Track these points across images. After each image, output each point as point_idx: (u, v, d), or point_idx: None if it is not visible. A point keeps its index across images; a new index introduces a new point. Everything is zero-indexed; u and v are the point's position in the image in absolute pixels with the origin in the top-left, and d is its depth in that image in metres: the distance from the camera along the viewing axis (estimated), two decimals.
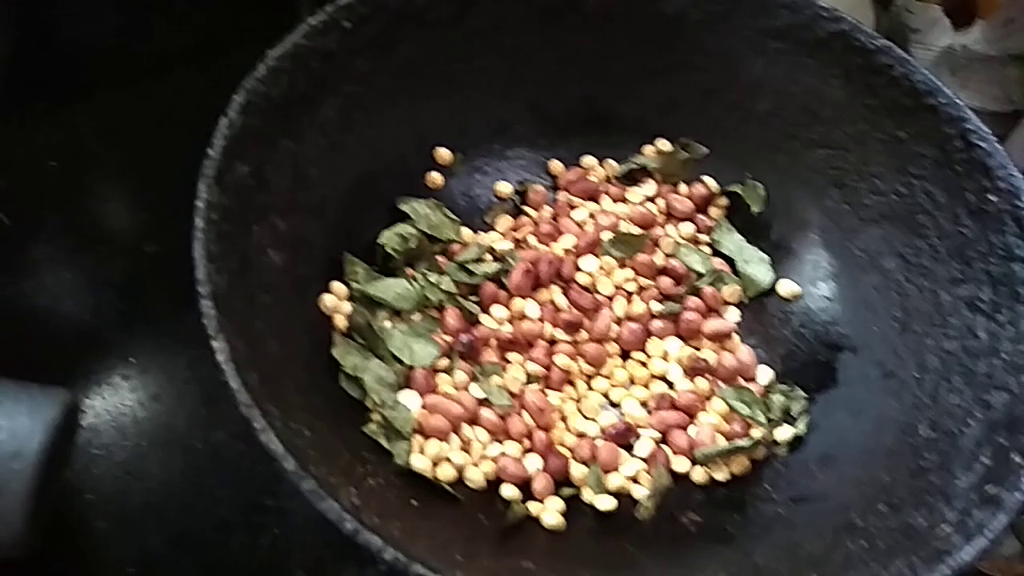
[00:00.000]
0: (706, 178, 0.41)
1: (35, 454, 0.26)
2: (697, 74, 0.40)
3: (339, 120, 0.36)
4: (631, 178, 0.42)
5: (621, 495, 0.34)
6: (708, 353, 0.37)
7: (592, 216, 0.40)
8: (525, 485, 0.33)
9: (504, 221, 0.40)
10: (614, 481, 0.34)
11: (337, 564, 0.35)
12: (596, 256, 0.39)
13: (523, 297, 0.37)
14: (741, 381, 0.37)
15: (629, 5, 0.39)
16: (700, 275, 0.39)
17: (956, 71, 0.61)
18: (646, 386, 0.37)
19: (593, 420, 0.36)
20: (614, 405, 0.36)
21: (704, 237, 0.40)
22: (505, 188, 0.41)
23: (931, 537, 0.27)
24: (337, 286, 0.35)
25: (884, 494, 0.30)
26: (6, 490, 0.26)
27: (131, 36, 0.50)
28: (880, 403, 0.33)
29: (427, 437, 0.33)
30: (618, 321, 0.38)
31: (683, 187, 0.41)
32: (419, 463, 0.32)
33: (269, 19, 0.50)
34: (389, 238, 0.37)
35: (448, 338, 0.35)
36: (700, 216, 0.41)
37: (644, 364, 0.37)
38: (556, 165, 0.42)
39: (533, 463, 0.33)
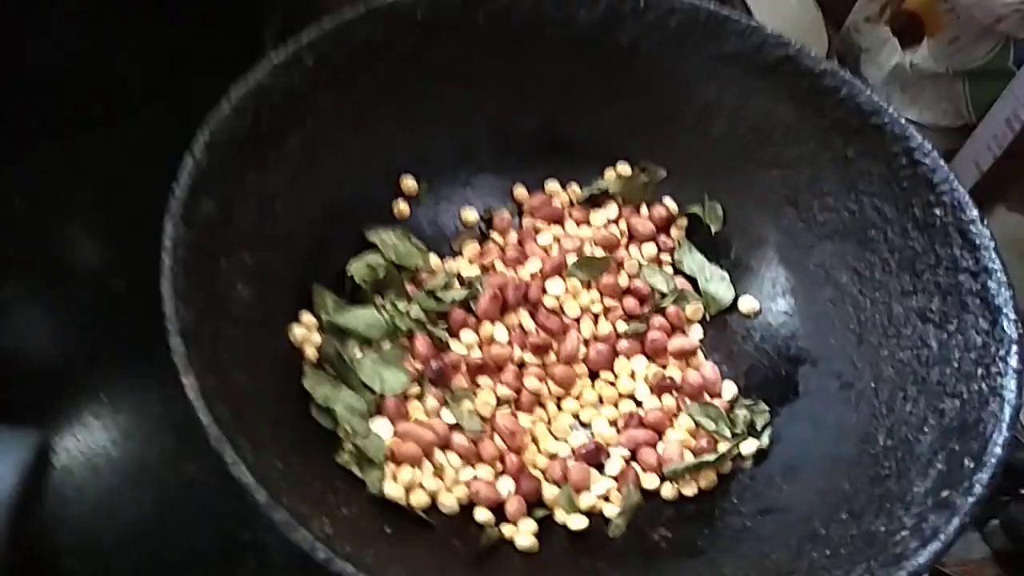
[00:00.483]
0: (666, 200, 0.42)
1: (7, 497, 0.26)
2: (653, 99, 0.41)
3: (304, 153, 0.36)
4: (594, 202, 0.43)
5: (593, 514, 0.34)
6: (674, 371, 0.38)
7: (557, 240, 0.41)
8: (498, 508, 0.33)
9: (471, 247, 0.41)
10: (586, 500, 0.34)
11: None
12: (562, 279, 0.40)
13: (491, 322, 0.38)
14: (706, 397, 0.38)
15: (585, 35, 0.40)
16: (664, 295, 0.40)
17: (906, 88, 0.63)
18: (615, 405, 0.38)
19: (564, 441, 0.36)
20: (584, 425, 0.37)
21: (666, 257, 0.42)
22: (471, 215, 0.42)
23: (889, 543, 0.27)
24: (306, 317, 0.35)
25: (846, 503, 0.31)
26: None
27: (95, 75, 0.50)
28: (839, 414, 0.34)
29: (399, 464, 0.33)
30: (585, 342, 0.38)
31: (644, 209, 0.42)
32: (392, 491, 0.32)
33: (233, 54, 0.51)
34: (357, 268, 0.37)
35: (418, 365, 0.36)
36: (662, 237, 0.42)
37: (612, 384, 0.38)
38: (520, 191, 0.43)
39: (505, 486, 0.34)
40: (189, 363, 0.26)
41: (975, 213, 0.34)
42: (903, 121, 0.36)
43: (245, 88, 0.33)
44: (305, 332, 0.35)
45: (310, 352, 0.35)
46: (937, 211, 0.35)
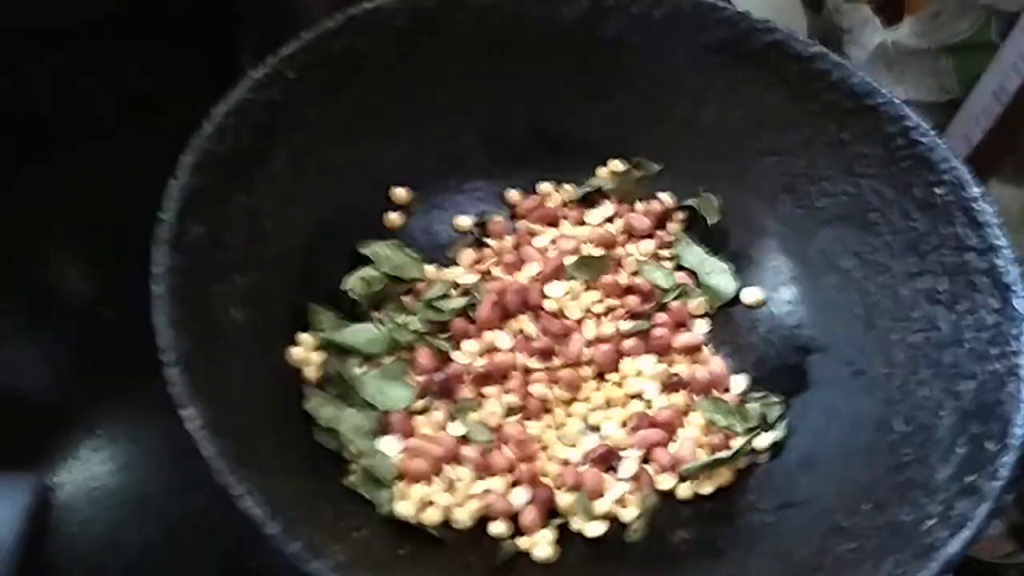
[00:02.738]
0: (662, 194, 0.41)
1: (9, 543, 0.26)
2: (642, 93, 0.41)
3: (290, 170, 0.35)
4: (588, 201, 0.42)
5: (610, 519, 0.34)
6: (681, 367, 0.37)
7: (553, 242, 0.40)
8: (513, 519, 0.33)
9: (467, 255, 0.40)
10: (601, 506, 0.34)
11: None
12: (561, 281, 0.39)
13: (493, 329, 0.37)
14: (716, 392, 0.37)
15: (569, 32, 0.40)
16: (665, 291, 0.39)
17: (891, 66, 0.63)
18: (623, 406, 0.37)
19: (574, 446, 0.36)
20: (594, 429, 0.36)
21: (665, 253, 0.41)
22: (465, 222, 0.41)
23: (917, 533, 0.27)
24: (304, 337, 0.35)
25: (867, 493, 0.30)
26: None
27: (70, 101, 0.49)
28: (853, 401, 0.34)
29: (409, 482, 0.32)
30: (589, 344, 0.38)
31: (640, 205, 0.42)
32: (403, 510, 0.31)
33: (210, 74, 0.50)
34: (353, 283, 0.36)
35: (422, 378, 0.35)
36: (660, 232, 0.41)
37: (619, 384, 0.37)
38: (513, 194, 0.42)
39: (519, 497, 0.33)
40: (188, 394, 0.25)
41: (977, 190, 0.33)
42: (897, 101, 0.36)
43: (227, 106, 0.32)
44: (303, 353, 0.34)
45: (310, 373, 0.34)
46: (938, 190, 0.34)
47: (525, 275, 0.39)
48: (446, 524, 0.32)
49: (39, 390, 0.41)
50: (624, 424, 0.36)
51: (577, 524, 0.33)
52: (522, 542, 0.32)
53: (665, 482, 0.34)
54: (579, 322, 0.38)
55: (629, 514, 0.34)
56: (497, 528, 0.32)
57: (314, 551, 0.23)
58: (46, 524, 0.31)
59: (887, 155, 0.36)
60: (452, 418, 0.35)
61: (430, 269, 0.39)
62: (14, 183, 0.46)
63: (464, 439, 0.34)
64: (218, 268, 0.31)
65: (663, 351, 0.38)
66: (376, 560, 0.27)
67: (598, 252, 0.40)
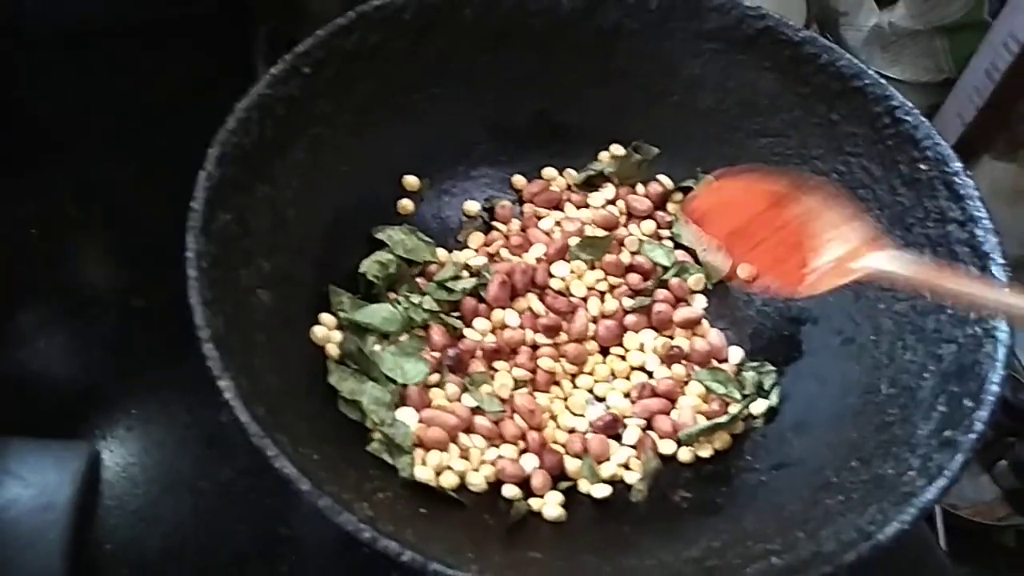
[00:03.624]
0: (661, 176, 0.43)
1: (65, 504, 0.28)
2: (640, 80, 0.42)
3: (309, 161, 0.37)
4: (590, 184, 0.44)
5: (615, 482, 0.36)
6: (681, 340, 0.39)
7: (558, 224, 0.42)
8: (524, 483, 0.35)
9: (476, 238, 0.42)
10: (607, 470, 0.36)
11: None
12: (566, 261, 0.41)
13: (502, 308, 0.39)
14: (714, 363, 0.39)
15: (569, 22, 0.41)
16: (665, 268, 0.41)
17: (887, 47, 0.65)
18: (627, 378, 0.39)
19: (581, 415, 0.38)
20: (599, 399, 0.38)
21: (665, 232, 0.43)
22: (473, 206, 0.43)
23: (898, 484, 0.29)
24: (326, 317, 0.37)
25: (855, 451, 0.32)
26: (42, 540, 0.27)
27: (95, 100, 0.51)
28: (843, 368, 0.36)
29: (427, 449, 0.35)
30: (594, 320, 0.40)
31: (640, 187, 0.43)
32: (423, 474, 0.33)
33: (226, 73, 0.52)
34: (369, 266, 0.39)
35: (436, 354, 0.37)
36: (659, 213, 0.43)
37: (623, 357, 0.39)
38: (519, 179, 0.44)
39: (530, 462, 0.35)
40: (223, 367, 0.27)
41: (959, 165, 0.35)
42: (883, 82, 0.37)
43: (248, 101, 0.34)
44: (326, 331, 0.36)
45: (332, 350, 0.36)
46: (922, 166, 0.36)
47: (532, 256, 0.41)
48: (462, 487, 0.34)
49: (75, 375, 0.43)
50: (628, 394, 0.38)
51: (585, 486, 0.35)
52: (533, 503, 0.34)
53: (667, 447, 0.37)
54: (584, 299, 0.40)
55: (633, 477, 0.36)
56: (510, 491, 0.34)
57: (344, 505, 0.26)
58: (97, 488, 0.34)
59: (874, 134, 0.37)
60: (465, 390, 0.37)
61: (441, 252, 0.41)
62: (47, 182, 0.48)
63: (477, 410, 0.36)
64: (245, 253, 0.33)
65: (664, 325, 0.40)
66: (399, 517, 0.30)
67: (601, 233, 0.42)
